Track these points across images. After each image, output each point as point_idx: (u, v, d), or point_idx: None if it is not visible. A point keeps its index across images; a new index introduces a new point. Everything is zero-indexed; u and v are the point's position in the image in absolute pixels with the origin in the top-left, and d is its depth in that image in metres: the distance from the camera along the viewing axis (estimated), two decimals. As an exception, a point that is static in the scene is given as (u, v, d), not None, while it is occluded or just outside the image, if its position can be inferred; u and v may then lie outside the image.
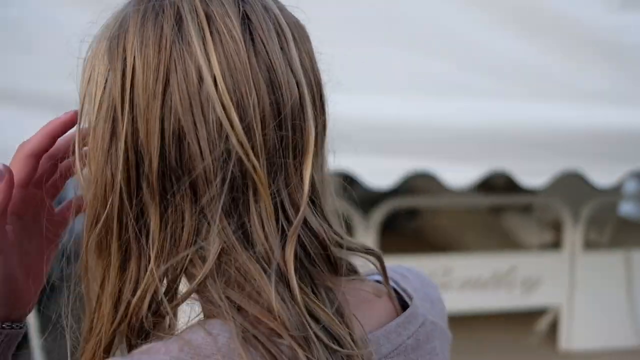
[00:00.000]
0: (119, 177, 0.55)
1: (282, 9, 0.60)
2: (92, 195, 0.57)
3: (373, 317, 0.63)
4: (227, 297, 0.53)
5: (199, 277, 0.54)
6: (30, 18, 1.93)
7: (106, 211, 0.56)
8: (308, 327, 0.53)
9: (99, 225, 0.57)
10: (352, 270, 0.63)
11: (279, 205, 0.56)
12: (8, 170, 0.61)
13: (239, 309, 0.53)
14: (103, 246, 0.57)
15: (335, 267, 0.59)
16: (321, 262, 0.58)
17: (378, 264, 0.64)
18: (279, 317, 0.52)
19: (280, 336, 0.52)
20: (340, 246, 0.60)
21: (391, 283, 0.66)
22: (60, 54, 0.60)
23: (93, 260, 0.58)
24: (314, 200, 0.59)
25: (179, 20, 0.54)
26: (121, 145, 0.55)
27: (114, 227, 0.56)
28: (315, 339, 0.53)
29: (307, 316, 0.54)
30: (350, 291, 0.60)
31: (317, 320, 0.54)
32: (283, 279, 0.54)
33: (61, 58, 0.59)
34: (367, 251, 0.63)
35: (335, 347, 0.54)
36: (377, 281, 0.67)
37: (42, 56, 1.83)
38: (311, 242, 0.57)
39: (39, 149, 0.62)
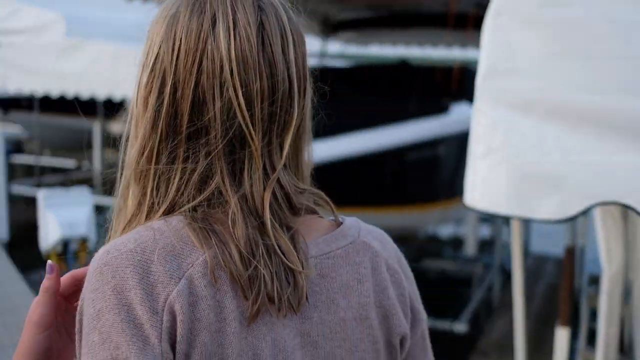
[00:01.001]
0: (162, 122, 0.81)
1: (290, 18, 0.83)
2: (142, 131, 0.82)
3: (318, 237, 0.87)
4: (206, 218, 0.78)
5: (198, 199, 0.80)
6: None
7: (150, 144, 0.82)
8: (260, 242, 0.77)
9: (145, 154, 0.82)
10: (312, 212, 0.88)
11: (267, 164, 0.81)
12: (56, 266, 0.88)
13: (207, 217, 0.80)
14: (142, 173, 0.83)
15: (295, 210, 0.84)
16: (286, 207, 0.82)
17: (327, 204, 0.89)
18: (235, 231, 0.77)
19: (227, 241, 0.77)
20: (301, 193, 0.84)
21: (340, 219, 0.92)
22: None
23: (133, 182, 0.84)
24: (286, 164, 0.83)
25: (214, 22, 0.79)
26: (166, 100, 0.81)
27: (153, 157, 0.82)
28: (263, 250, 0.77)
29: (269, 239, 0.78)
30: (305, 224, 0.85)
31: (279, 246, 0.79)
32: (257, 214, 0.79)
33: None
34: (319, 195, 0.88)
35: (283, 258, 0.77)
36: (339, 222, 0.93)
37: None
38: (280, 192, 0.82)
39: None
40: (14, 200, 10.14)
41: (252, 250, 0.77)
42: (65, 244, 4.24)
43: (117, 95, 8.92)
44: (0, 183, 6.69)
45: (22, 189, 9.83)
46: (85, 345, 0.73)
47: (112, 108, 10.89)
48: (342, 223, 0.92)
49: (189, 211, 0.80)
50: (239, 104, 0.79)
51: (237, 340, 0.75)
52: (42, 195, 4.17)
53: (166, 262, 0.76)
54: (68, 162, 13.36)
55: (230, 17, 0.80)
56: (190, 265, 0.76)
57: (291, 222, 0.83)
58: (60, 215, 4.11)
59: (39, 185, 11.38)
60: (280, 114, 0.82)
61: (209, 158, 0.80)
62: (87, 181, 12.93)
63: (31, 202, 12.25)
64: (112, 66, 8.99)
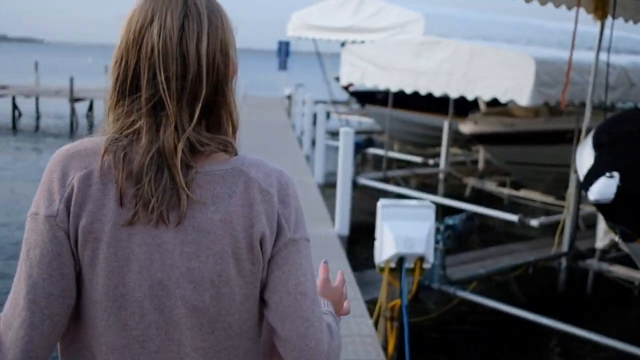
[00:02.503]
0: (118, 84, 1.14)
1: (212, 24, 1.14)
2: (110, 87, 1.15)
3: (211, 164, 1.15)
4: (122, 146, 1.11)
5: (122, 133, 1.12)
6: None
7: (112, 97, 1.15)
8: (152, 172, 1.08)
9: (110, 103, 1.15)
10: (224, 151, 1.16)
11: (177, 122, 1.10)
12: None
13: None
14: (108, 113, 1.17)
15: (198, 154, 1.12)
16: (189, 153, 1.11)
17: (231, 147, 1.17)
18: (135, 158, 1.09)
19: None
20: (210, 143, 1.14)
21: (236, 156, 1.18)
22: None
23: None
24: (197, 121, 1.12)
25: (151, 22, 1.11)
26: (121, 69, 1.13)
27: (113, 105, 1.15)
28: (152, 177, 1.08)
29: (162, 172, 1.09)
30: (208, 159, 1.14)
31: (172, 177, 1.10)
32: (165, 157, 1.09)
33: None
34: (227, 141, 1.16)
35: (167, 183, 1.08)
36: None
37: None
38: (187, 143, 1.10)
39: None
40: (360, 191, 10.51)
41: (142, 176, 1.08)
42: (400, 259, 3.89)
43: (470, 95, 8.53)
44: (346, 177, 6.76)
45: (368, 181, 10.04)
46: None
47: (464, 107, 10.44)
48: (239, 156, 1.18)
49: (116, 138, 1.11)
50: (160, 80, 1.10)
51: (113, 220, 1.08)
52: (382, 204, 3.86)
53: (81, 158, 1.11)
54: (415, 158, 13.42)
55: (162, 21, 1.11)
56: (94, 164, 1.10)
57: (191, 161, 1.11)
58: (398, 230, 3.76)
59: (385, 178, 11.64)
60: (191, 89, 1.11)
61: (139, 112, 1.11)
62: (431, 177, 12.96)
63: (377, 194, 12.73)
64: (467, 65, 8.61)
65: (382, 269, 3.98)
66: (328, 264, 1.39)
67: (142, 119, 1.11)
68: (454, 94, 8.89)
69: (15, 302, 1.08)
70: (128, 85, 1.13)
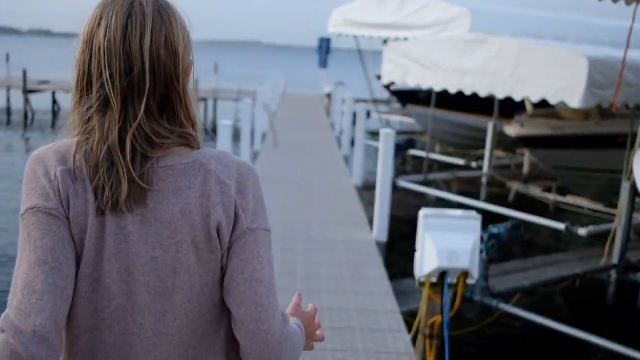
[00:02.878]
0: (77, 82, 1.20)
1: (157, 8, 1.19)
2: (73, 85, 1.22)
3: (172, 158, 1.21)
4: (85, 144, 1.18)
5: (82, 134, 1.19)
6: None
7: (74, 94, 1.21)
8: (105, 164, 1.15)
9: (73, 100, 1.21)
10: (186, 145, 1.22)
11: (124, 117, 1.16)
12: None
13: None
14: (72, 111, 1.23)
15: (156, 145, 1.18)
16: (145, 144, 1.17)
17: (194, 140, 1.23)
18: (91, 154, 1.17)
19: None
20: (169, 135, 1.20)
21: (199, 149, 1.24)
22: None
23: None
24: (153, 115, 1.18)
25: (99, 23, 1.17)
26: (77, 68, 1.20)
27: (76, 102, 1.21)
28: (105, 169, 1.15)
29: (114, 164, 1.16)
30: (169, 152, 1.20)
31: (123, 167, 1.16)
32: (115, 150, 1.15)
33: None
34: (188, 134, 1.22)
35: (122, 173, 1.14)
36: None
37: None
38: (141, 135, 1.17)
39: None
40: (400, 193, 10.17)
41: (97, 169, 1.15)
42: (442, 274, 3.57)
43: (517, 96, 8.13)
44: (386, 181, 6.43)
45: (408, 184, 9.69)
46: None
47: (509, 108, 10.01)
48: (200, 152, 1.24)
49: (85, 138, 1.18)
50: (105, 77, 1.16)
51: (86, 209, 1.16)
52: (423, 214, 3.54)
53: (57, 156, 1.18)
54: (457, 160, 13.00)
55: (108, 21, 1.17)
56: (70, 162, 1.17)
57: (149, 152, 1.18)
58: (441, 242, 3.44)
59: (425, 181, 11.27)
60: (136, 84, 1.17)
61: (90, 111, 1.17)
62: (473, 180, 12.53)
63: (417, 197, 12.38)
64: (514, 64, 8.21)
65: (422, 284, 3.67)
66: (302, 295, 1.47)
67: (94, 116, 1.18)
68: (500, 95, 8.50)
69: (30, 291, 1.10)
70: (85, 84, 1.20)
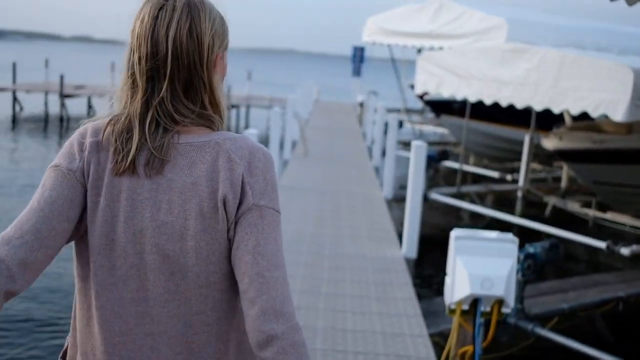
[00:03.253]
0: (125, 67, 1.36)
1: (188, 4, 1.33)
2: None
3: (194, 136, 1.34)
4: (119, 120, 1.34)
5: (121, 110, 1.37)
6: None
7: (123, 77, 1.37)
8: (125, 133, 1.32)
9: (122, 83, 1.37)
10: (207, 126, 1.36)
11: (150, 93, 1.32)
12: None
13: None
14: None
15: (177, 121, 1.32)
16: (167, 119, 1.31)
17: (213, 123, 1.37)
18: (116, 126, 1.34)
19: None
20: (189, 115, 1.34)
21: (222, 131, 1.37)
22: None
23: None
24: (175, 96, 1.33)
25: (143, 9, 1.35)
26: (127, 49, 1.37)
27: (125, 83, 1.36)
28: (125, 137, 1.31)
29: (134, 132, 1.32)
30: (190, 130, 1.34)
31: (145, 136, 1.30)
32: (136, 122, 1.31)
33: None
34: (210, 118, 1.36)
35: (137, 142, 1.30)
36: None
37: None
38: (163, 111, 1.31)
39: None
40: (432, 206, 9.86)
41: (120, 136, 1.31)
42: (474, 301, 3.29)
43: (557, 108, 7.78)
44: (416, 195, 6.15)
45: (440, 197, 9.38)
46: None
47: (547, 119, 9.60)
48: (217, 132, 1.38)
49: (117, 114, 1.35)
50: (134, 60, 1.33)
51: (107, 177, 1.30)
52: (455, 236, 3.27)
53: (93, 131, 1.34)
54: (492, 173, 12.62)
55: (144, 14, 1.34)
56: (101, 135, 1.33)
57: (170, 126, 1.31)
58: (474, 267, 3.16)
59: (458, 194, 10.93)
60: (160, 67, 1.31)
61: (126, 90, 1.34)
62: (508, 194, 12.15)
63: (449, 210, 12.04)
64: (555, 76, 7.87)
65: (452, 311, 3.39)
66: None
67: (128, 96, 1.34)
68: (538, 107, 8.16)
69: (19, 227, 1.26)
70: (126, 69, 1.36)
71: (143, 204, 1.29)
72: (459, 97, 9.28)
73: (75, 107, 25.06)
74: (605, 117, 7.48)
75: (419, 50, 16.08)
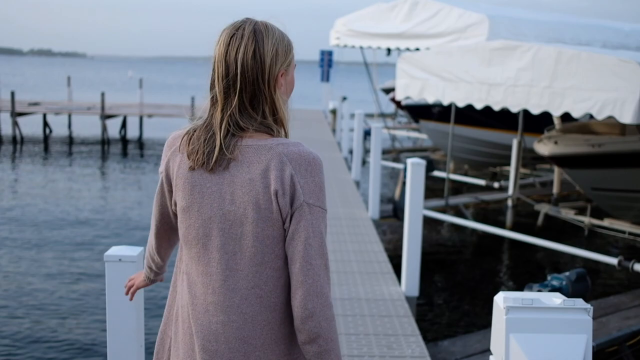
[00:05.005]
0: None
1: (254, 31, 1.61)
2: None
3: (254, 140, 1.62)
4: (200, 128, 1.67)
5: (202, 120, 1.68)
6: None
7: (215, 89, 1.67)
8: (203, 137, 1.64)
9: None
10: (267, 133, 1.63)
11: (223, 107, 1.62)
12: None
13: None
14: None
15: (243, 129, 1.60)
16: (234, 127, 1.60)
17: (273, 131, 1.63)
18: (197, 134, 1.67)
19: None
20: (252, 123, 1.62)
21: (279, 137, 1.64)
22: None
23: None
24: (241, 109, 1.62)
25: (221, 35, 1.65)
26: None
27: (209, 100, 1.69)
28: (202, 140, 1.62)
29: (212, 136, 1.63)
30: (252, 135, 1.61)
31: (217, 140, 1.61)
32: (214, 130, 1.62)
33: None
34: (270, 126, 1.63)
35: (209, 144, 1.62)
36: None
37: None
38: (234, 121, 1.61)
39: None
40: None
41: (198, 140, 1.62)
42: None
43: (556, 111, 6.99)
44: (415, 222, 5.26)
45: (429, 212, 8.53)
46: None
47: (533, 121, 8.67)
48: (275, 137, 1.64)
49: (195, 124, 1.68)
50: (213, 79, 1.63)
51: (183, 174, 1.63)
52: (506, 305, 2.37)
53: (174, 138, 1.70)
54: (477, 181, 11.84)
55: (220, 40, 1.64)
56: (179, 141, 1.67)
57: (237, 132, 1.60)
58: (535, 348, 2.26)
59: (446, 206, 10.12)
60: (232, 85, 1.60)
61: (210, 104, 1.65)
62: (493, 203, 11.40)
63: (440, 225, 11.23)
64: (552, 75, 7.08)
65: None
66: None
67: (210, 109, 1.65)
68: (535, 110, 7.36)
69: (152, 225, 1.83)
70: (210, 85, 1.68)
71: (212, 196, 1.61)
72: (446, 102, 8.46)
73: (30, 125, 23.73)
74: (613, 119, 6.71)
75: (388, 52, 15.29)
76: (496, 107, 7.75)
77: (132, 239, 10.25)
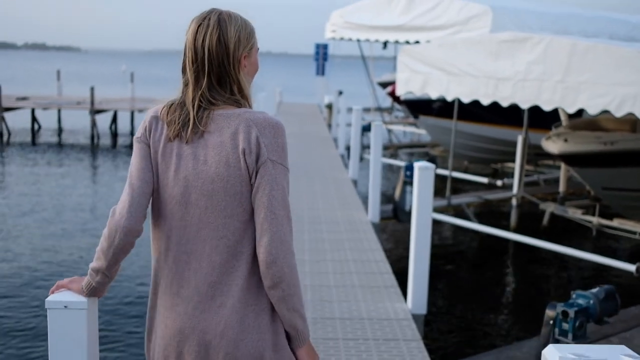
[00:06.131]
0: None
1: (219, 20, 1.81)
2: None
3: (224, 110, 1.81)
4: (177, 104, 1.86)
5: (177, 99, 1.88)
6: None
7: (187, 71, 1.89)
8: (178, 110, 1.84)
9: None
10: (237, 106, 1.82)
11: (195, 87, 1.81)
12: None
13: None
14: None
15: (214, 104, 1.80)
16: (206, 102, 1.80)
17: (240, 104, 1.83)
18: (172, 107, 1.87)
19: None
20: (221, 98, 1.82)
21: (246, 108, 1.82)
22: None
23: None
24: (211, 87, 1.81)
25: (190, 25, 1.85)
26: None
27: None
28: (178, 112, 1.83)
29: (186, 110, 1.83)
30: (223, 107, 1.80)
31: (191, 113, 1.82)
32: (187, 106, 1.82)
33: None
34: (237, 100, 1.82)
35: (187, 116, 1.81)
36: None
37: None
38: (206, 97, 1.81)
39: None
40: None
41: (173, 113, 1.82)
42: None
43: (570, 107, 6.51)
44: (423, 236, 4.75)
45: (437, 216, 8.03)
46: None
47: (537, 117, 8.08)
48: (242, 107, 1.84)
49: (172, 100, 1.86)
50: (185, 63, 1.82)
51: (163, 140, 1.81)
52: (559, 355, 1.88)
53: (154, 110, 1.87)
54: (479, 179, 11.35)
55: (190, 29, 1.82)
56: (158, 113, 1.85)
57: (207, 107, 1.79)
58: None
59: (448, 206, 9.63)
60: (200, 68, 1.79)
61: (183, 85, 1.84)
62: (500, 206, 10.93)
63: (441, 226, 10.73)
64: (565, 68, 6.59)
65: None
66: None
67: (184, 89, 1.84)
68: (547, 107, 6.88)
69: (121, 198, 1.81)
70: (182, 70, 1.86)
71: (187, 158, 1.78)
72: (450, 97, 7.95)
73: (18, 121, 23.12)
74: (633, 116, 6.23)
75: (385, 45, 14.75)
76: (504, 103, 7.26)
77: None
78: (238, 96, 1.81)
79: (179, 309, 1.76)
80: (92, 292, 1.83)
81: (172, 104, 1.82)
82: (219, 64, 1.79)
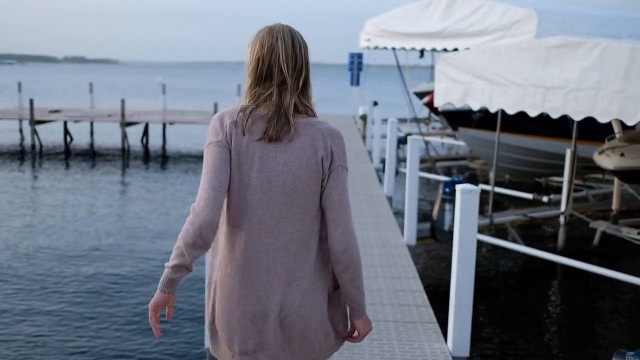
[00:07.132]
0: (251, 73, 2.09)
1: (291, 40, 2.04)
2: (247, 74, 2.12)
3: (303, 119, 2.06)
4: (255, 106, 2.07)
5: (253, 100, 2.08)
6: None
7: (257, 74, 2.07)
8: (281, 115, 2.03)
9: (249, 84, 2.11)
10: (305, 113, 2.06)
11: (292, 91, 2.03)
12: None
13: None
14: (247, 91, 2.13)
15: (299, 110, 2.03)
16: (294, 110, 2.03)
17: (313, 114, 2.08)
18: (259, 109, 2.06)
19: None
20: (303, 107, 2.06)
21: (316, 118, 2.06)
22: None
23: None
24: (299, 94, 2.05)
25: (277, 37, 2.05)
26: (258, 61, 2.06)
27: (249, 85, 2.12)
28: (274, 116, 2.01)
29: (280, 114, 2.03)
30: (302, 115, 2.04)
31: (285, 117, 2.03)
32: (285, 112, 2.01)
33: None
34: (311, 110, 2.08)
35: (277, 120, 2.02)
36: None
37: None
38: (296, 102, 2.04)
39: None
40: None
41: (271, 119, 1.99)
42: None
43: (630, 119, 5.83)
44: (467, 269, 4.11)
45: (483, 237, 7.36)
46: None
47: (587, 128, 7.21)
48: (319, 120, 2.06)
49: (247, 105, 2.03)
50: (285, 70, 1.99)
51: (246, 142, 1.98)
52: None
53: (229, 114, 2.02)
54: (524, 194, 10.62)
55: (283, 41, 2.02)
56: (235, 117, 2.00)
57: (295, 115, 2.00)
58: None
59: (490, 225, 8.94)
60: (296, 75, 2.00)
61: (271, 89, 2.01)
62: (546, 224, 10.18)
63: (485, 246, 10.05)
64: (624, 76, 5.92)
65: None
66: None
67: (274, 91, 2.00)
68: (603, 118, 6.19)
69: (200, 196, 1.95)
70: (264, 76, 2.01)
71: (269, 160, 1.98)
72: (493, 108, 7.31)
73: (50, 133, 23.04)
74: None
75: (422, 53, 14.13)
76: (555, 114, 6.60)
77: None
78: (310, 103, 2.07)
79: (260, 294, 2.01)
80: (171, 285, 2.00)
81: (246, 109, 2.01)
82: (302, 73, 2.04)
